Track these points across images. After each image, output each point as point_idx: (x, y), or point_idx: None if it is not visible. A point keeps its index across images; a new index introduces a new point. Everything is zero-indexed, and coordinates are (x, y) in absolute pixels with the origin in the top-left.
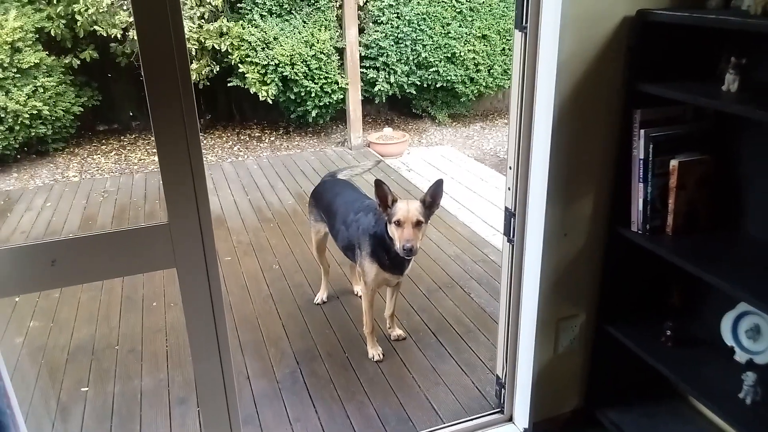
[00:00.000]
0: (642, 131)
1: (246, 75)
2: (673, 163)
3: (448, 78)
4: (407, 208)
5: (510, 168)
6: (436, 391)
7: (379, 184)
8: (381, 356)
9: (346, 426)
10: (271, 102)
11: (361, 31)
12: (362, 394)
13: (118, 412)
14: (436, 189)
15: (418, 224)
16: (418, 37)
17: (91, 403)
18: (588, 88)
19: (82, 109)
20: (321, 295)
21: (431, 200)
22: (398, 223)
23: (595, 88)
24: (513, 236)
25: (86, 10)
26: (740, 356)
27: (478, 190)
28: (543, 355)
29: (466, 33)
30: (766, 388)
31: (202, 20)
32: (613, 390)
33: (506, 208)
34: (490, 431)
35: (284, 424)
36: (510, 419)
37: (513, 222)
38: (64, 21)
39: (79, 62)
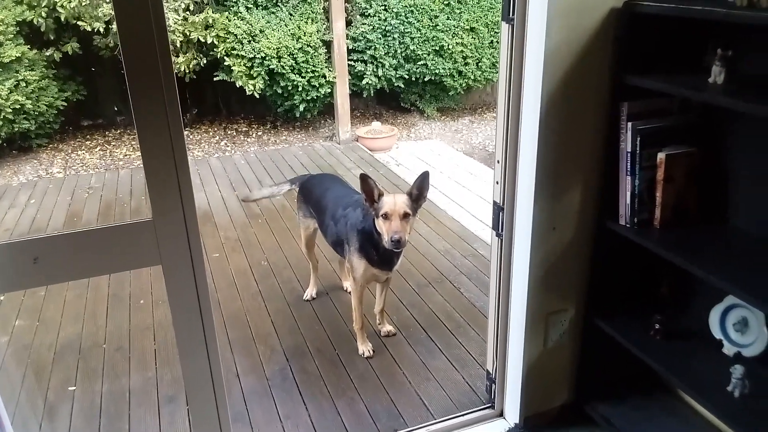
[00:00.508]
0: (629, 124)
1: (232, 68)
2: (661, 155)
3: (437, 71)
4: (394, 201)
5: (498, 162)
6: (426, 387)
7: (364, 179)
8: (371, 352)
9: (336, 422)
10: (257, 96)
11: (348, 23)
12: (352, 390)
13: (106, 411)
14: (423, 181)
15: (405, 216)
16: (406, 30)
17: (79, 402)
18: (575, 80)
19: (65, 104)
20: (310, 292)
21: (418, 193)
22: (385, 216)
23: (582, 80)
24: (501, 230)
25: (69, 2)
26: (728, 349)
27: (467, 185)
28: (533, 349)
29: (454, 26)
30: (753, 380)
31: (187, 12)
32: (602, 384)
33: (494, 202)
34: (481, 426)
35: (274, 421)
36: (501, 414)
37: (501, 216)
38: (45, 11)
39: (61, 55)
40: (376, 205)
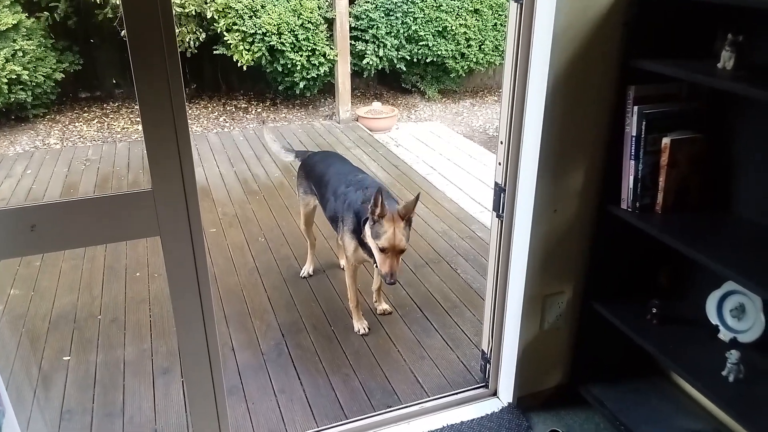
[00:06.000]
0: (635, 108)
1: (231, 44)
2: (666, 140)
3: (439, 53)
4: (394, 237)
5: (501, 142)
6: (421, 365)
7: (380, 191)
8: (366, 330)
9: (331, 398)
10: (255, 70)
11: (351, 1)
12: (347, 367)
13: (101, 381)
14: (416, 203)
15: (402, 252)
16: (409, 9)
17: (73, 372)
18: (583, 62)
19: (63, 75)
20: (307, 269)
21: (409, 215)
22: (383, 250)
23: (589, 62)
24: (502, 212)
25: None
26: (724, 335)
27: (467, 167)
28: (529, 330)
29: (458, 6)
30: (748, 366)
31: None
32: (597, 366)
33: (496, 183)
34: (475, 405)
35: (269, 395)
36: (494, 393)
37: (503, 197)
38: None
39: (57, 18)
40: (375, 219)
